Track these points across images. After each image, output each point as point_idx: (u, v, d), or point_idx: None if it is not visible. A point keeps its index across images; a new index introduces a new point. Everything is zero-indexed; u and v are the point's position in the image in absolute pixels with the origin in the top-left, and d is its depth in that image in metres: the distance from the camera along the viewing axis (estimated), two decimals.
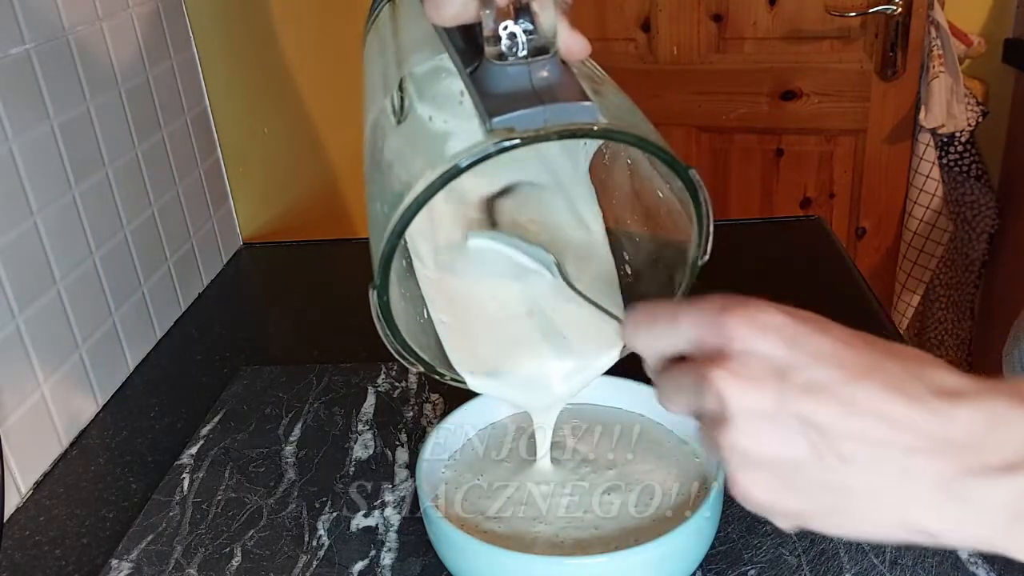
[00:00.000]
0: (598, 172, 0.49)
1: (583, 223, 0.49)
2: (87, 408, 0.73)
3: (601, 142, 0.47)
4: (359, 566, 0.55)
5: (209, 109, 0.98)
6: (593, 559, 0.45)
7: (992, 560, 0.51)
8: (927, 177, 1.61)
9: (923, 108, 1.55)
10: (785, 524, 0.33)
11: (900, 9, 1.52)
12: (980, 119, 1.59)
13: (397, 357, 0.43)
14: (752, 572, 0.52)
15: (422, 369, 0.45)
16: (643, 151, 0.38)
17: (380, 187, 0.39)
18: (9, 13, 0.65)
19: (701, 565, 0.52)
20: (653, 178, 0.45)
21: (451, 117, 0.38)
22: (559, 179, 0.48)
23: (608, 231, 0.50)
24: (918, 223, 1.65)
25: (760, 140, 1.74)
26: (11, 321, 0.64)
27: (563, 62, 0.38)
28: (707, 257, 0.41)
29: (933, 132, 1.58)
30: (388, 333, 0.41)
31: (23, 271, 0.66)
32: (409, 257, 0.48)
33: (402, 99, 0.42)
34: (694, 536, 0.47)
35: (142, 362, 0.82)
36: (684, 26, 1.69)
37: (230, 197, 1.03)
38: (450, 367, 0.47)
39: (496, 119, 0.35)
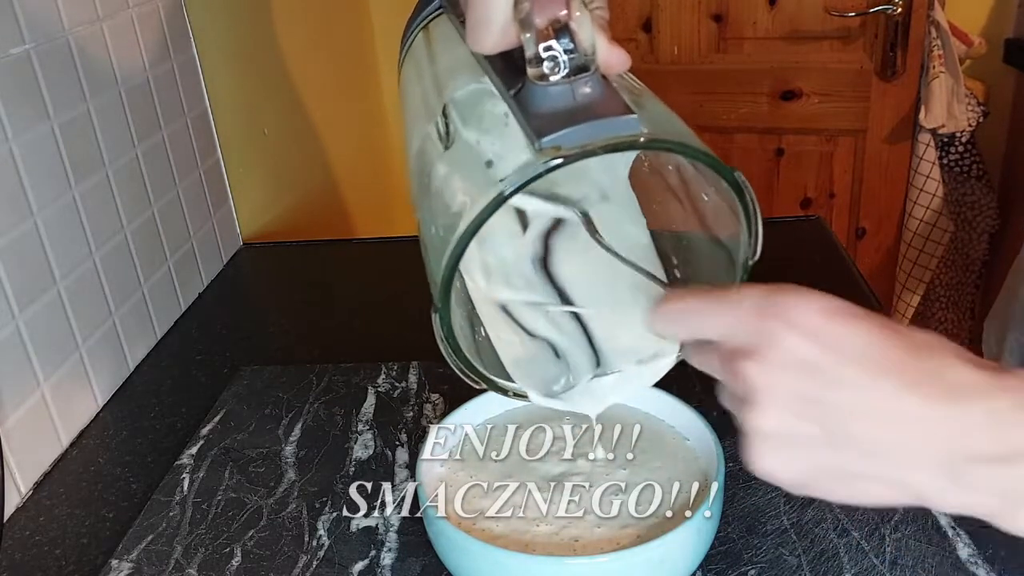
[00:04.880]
0: (640, 179, 0.49)
1: (627, 232, 0.49)
2: (87, 408, 0.73)
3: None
4: (359, 566, 0.55)
5: (209, 109, 0.98)
6: (593, 559, 0.45)
7: (992, 560, 0.51)
8: (927, 177, 1.61)
9: (923, 108, 1.55)
10: (795, 492, 0.38)
11: (900, 9, 1.52)
12: (981, 119, 1.59)
13: (462, 376, 0.44)
14: (752, 572, 0.52)
15: (485, 386, 0.46)
16: (687, 157, 0.39)
17: (432, 213, 0.40)
18: (9, 13, 0.65)
19: (701, 565, 0.52)
20: (696, 180, 0.46)
21: (498, 139, 0.39)
22: (601, 191, 0.49)
23: (653, 235, 0.50)
24: (918, 223, 1.65)
25: (760, 140, 1.74)
26: (11, 321, 0.64)
27: (603, 77, 0.38)
28: (757, 256, 0.42)
29: (933, 132, 1.58)
30: (452, 354, 0.43)
31: (23, 271, 0.66)
32: (463, 278, 0.48)
33: (447, 125, 0.42)
34: (694, 536, 0.47)
35: (142, 362, 0.82)
36: (685, 26, 1.69)
37: (230, 197, 1.03)
38: (512, 381, 0.48)
39: (544, 139, 0.36)
